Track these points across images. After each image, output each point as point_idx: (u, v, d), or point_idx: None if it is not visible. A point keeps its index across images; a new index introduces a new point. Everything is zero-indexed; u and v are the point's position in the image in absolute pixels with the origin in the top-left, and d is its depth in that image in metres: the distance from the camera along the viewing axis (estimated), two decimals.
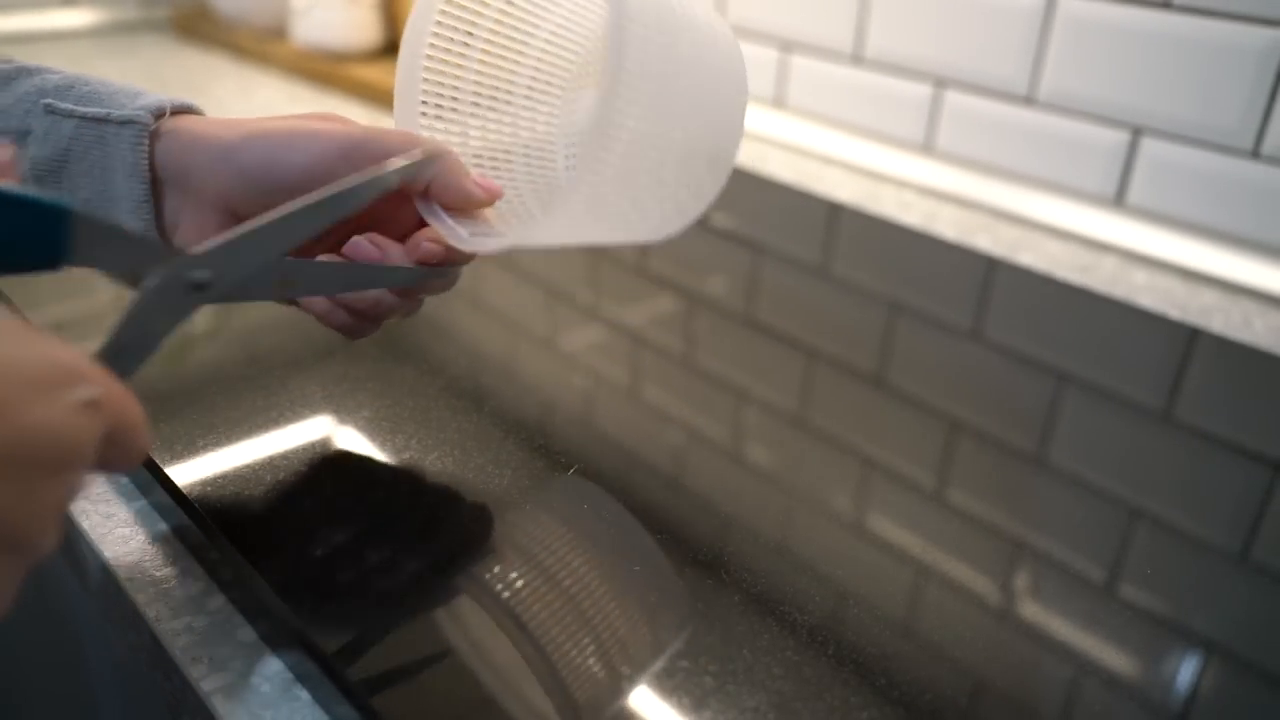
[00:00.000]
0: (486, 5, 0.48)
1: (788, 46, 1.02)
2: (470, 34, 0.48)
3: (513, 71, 0.51)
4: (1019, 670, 0.39)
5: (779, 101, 1.05)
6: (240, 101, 1.06)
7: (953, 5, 0.88)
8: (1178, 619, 0.42)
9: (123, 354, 0.33)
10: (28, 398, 0.26)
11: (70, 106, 0.43)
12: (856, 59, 0.97)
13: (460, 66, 0.49)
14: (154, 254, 0.34)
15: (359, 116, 1.03)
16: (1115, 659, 0.39)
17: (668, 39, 0.40)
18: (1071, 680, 0.38)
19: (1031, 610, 0.41)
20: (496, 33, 0.49)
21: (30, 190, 0.31)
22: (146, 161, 0.43)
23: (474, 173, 0.45)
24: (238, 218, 0.42)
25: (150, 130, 0.43)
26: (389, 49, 1.19)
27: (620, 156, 0.39)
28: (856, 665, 0.37)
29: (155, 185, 0.44)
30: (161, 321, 0.35)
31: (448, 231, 0.43)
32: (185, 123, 0.44)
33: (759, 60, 1.05)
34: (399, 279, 0.45)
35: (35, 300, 0.59)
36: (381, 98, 1.06)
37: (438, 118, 0.49)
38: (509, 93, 0.51)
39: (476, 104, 0.50)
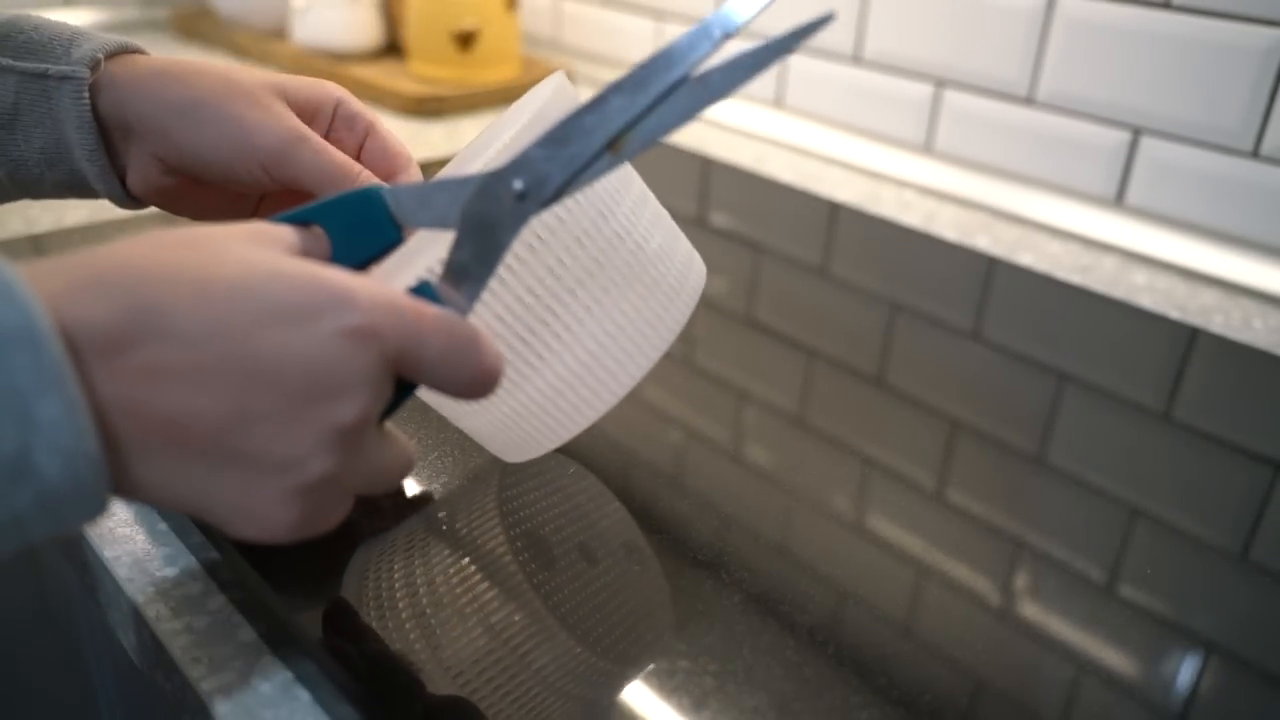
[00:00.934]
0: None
1: None
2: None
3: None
4: (1019, 670, 0.39)
5: (779, 101, 1.05)
6: None
7: (953, 5, 0.88)
8: (1177, 619, 0.42)
9: (462, 276, 0.33)
10: (268, 325, 0.27)
11: (9, 61, 0.43)
12: (856, 59, 0.97)
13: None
14: (464, 185, 0.33)
15: None
16: (1115, 659, 0.39)
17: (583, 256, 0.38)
18: (1071, 680, 0.38)
19: (1031, 610, 0.41)
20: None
21: (331, 197, 0.34)
22: (89, 113, 0.43)
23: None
24: (176, 172, 0.44)
25: (88, 83, 0.43)
26: (389, 49, 1.19)
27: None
28: (856, 665, 0.37)
29: (104, 131, 0.44)
30: (494, 235, 0.33)
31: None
32: (123, 72, 0.44)
33: None
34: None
35: None
36: (381, 97, 1.06)
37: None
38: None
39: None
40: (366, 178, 0.44)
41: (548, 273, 0.38)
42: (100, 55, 0.44)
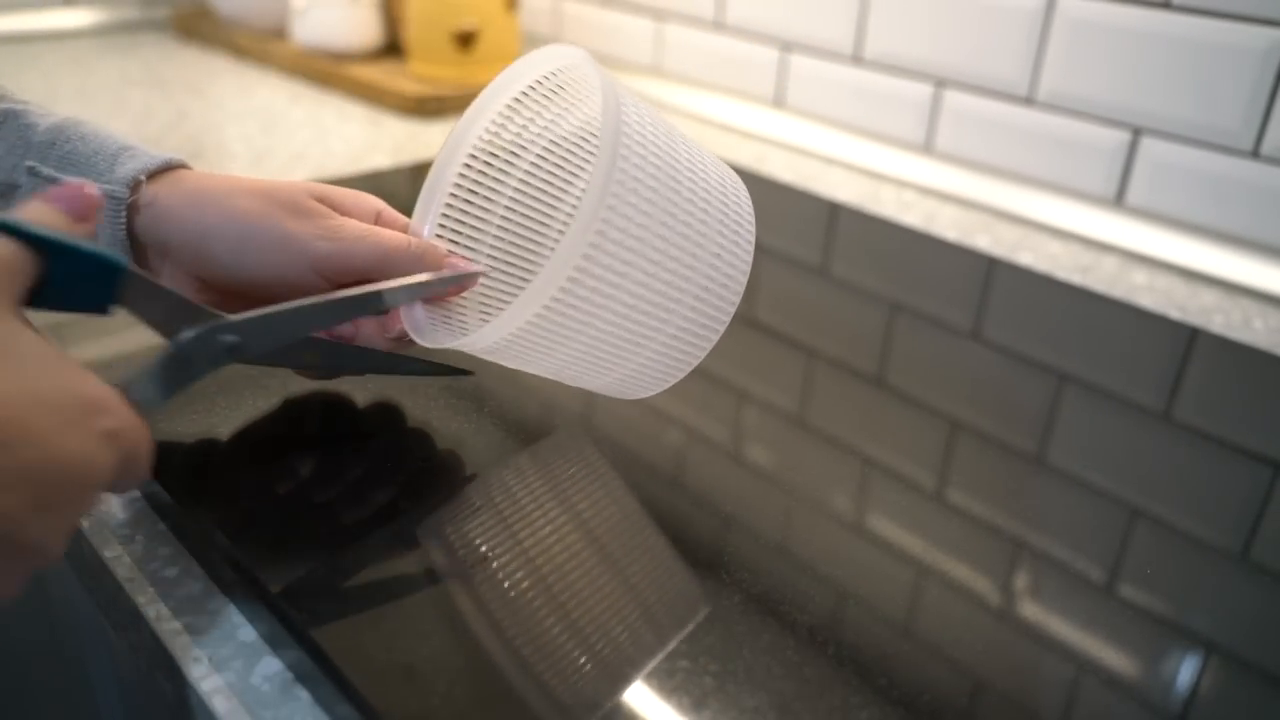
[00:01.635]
0: (524, 150, 0.49)
1: (788, 46, 1.02)
2: (503, 175, 0.49)
3: (543, 225, 0.51)
4: (1019, 670, 0.39)
5: (779, 101, 1.05)
6: (240, 101, 1.06)
7: (953, 5, 0.88)
8: (1177, 619, 0.42)
9: (149, 389, 0.37)
10: (56, 426, 0.29)
11: (51, 172, 0.44)
12: (856, 59, 0.97)
13: (490, 200, 0.50)
14: (191, 313, 0.38)
15: (358, 116, 1.03)
16: (1115, 659, 0.39)
17: (659, 186, 0.40)
18: (1071, 680, 0.38)
19: (1031, 610, 0.41)
20: (528, 184, 0.50)
21: (91, 243, 0.34)
22: (124, 232, 0.44)
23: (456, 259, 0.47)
24: (214, 289, 0.45)
25: (127, 203, 0.43)
26: (389, 49, 1.19)
27: (587, 288, 0.39)
28: (856, 665, 0.37)
29: (136, 248, 0.45)
30: (193, 369, 0.38)
31: (407, 316, 0.45)
32: (164, 193, 0.44)
33: (759, 60, 1.05)
34: (414, 369, 0.49)
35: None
36: (381, 97, 1.06)
37: (453, 241, 0.49)
38: (534, 248, 0.51)
39: (498, 245, 0.50)
40: (418, 247, 0.45)
41: (666, 226, 0.41)
42: (142, 177, 0.44)
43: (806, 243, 0.80)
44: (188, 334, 0.38)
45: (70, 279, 0.34)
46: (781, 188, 0.90)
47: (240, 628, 0.39)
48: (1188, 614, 0.42)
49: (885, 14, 0.93)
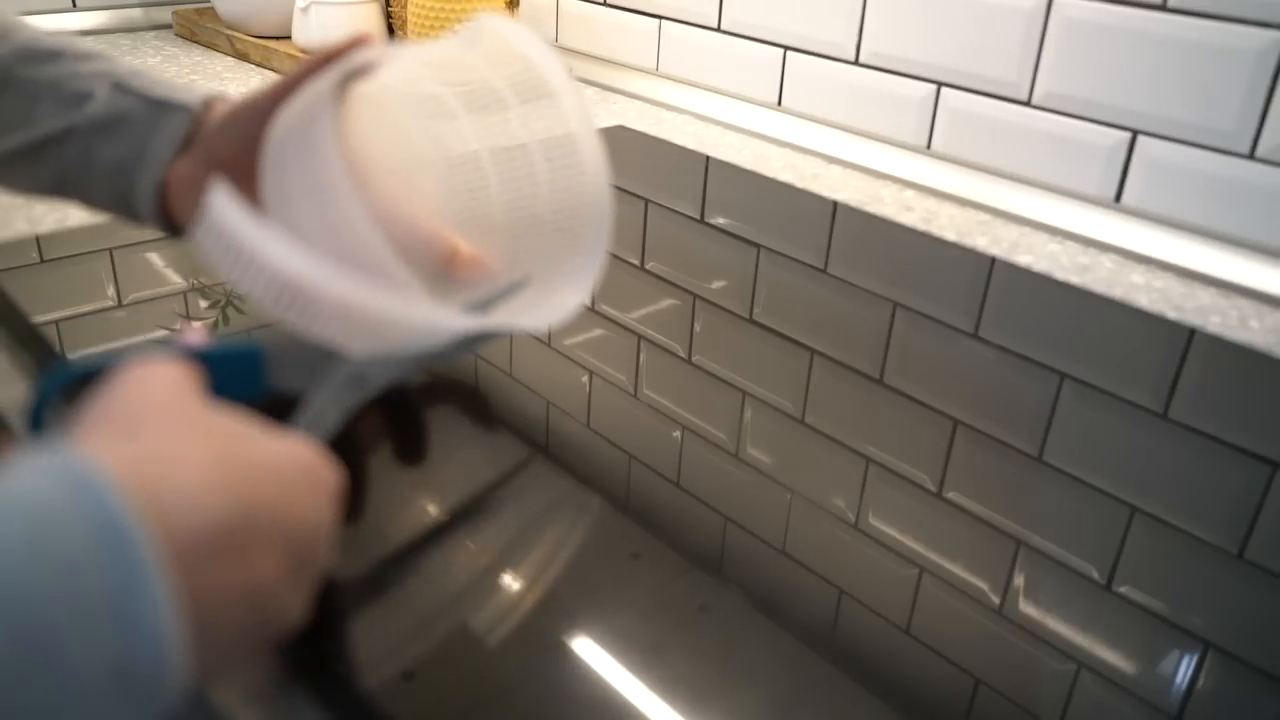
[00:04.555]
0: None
1: (788, 46, 1.03)
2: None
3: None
4: (1018, 669, 0.39)
5: (779, 102, 1.06)
6: None
7: (951, 6, 0.89)
8: (1175, 617, 0.42)
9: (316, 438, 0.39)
10: (297, 495, 0.29)
11: (140, 86, 0.51)
12: (856, 59, 0.97)
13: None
14: (323, 357, 0.41)
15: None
16: (1113, 657, 0.39)
17: None
18: (1070, 678, 0.38)
19: (1030, 609, 0.42)
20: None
21: (232, 344, 0.40)
22: (184, 135, 0.50)
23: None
24: (231, 173, 0.46)
25: (198, 115, 0.50)
26: None
27: None
28: (856, 665, 0.37)
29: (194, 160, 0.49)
30: (335, 410, 0.41)
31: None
32: (217, 106, 0.51)
33: (759, 60, 1.06)
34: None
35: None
36: None
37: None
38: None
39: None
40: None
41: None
42: (213, 99, 0.51)
43: (806, 243, 0.80)
44: (332, 378, 0.41)
45: (225, 379, 0.36)
46: (781, 188, 0.90)
47: None
48: (1185, 612, 0.42)
49: (885, 15, 0.94)
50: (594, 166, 0.47)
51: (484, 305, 0.46)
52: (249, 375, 0.41)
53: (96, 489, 0.23)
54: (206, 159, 0.48)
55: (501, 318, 0.46)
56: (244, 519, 0.27)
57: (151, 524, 0.24)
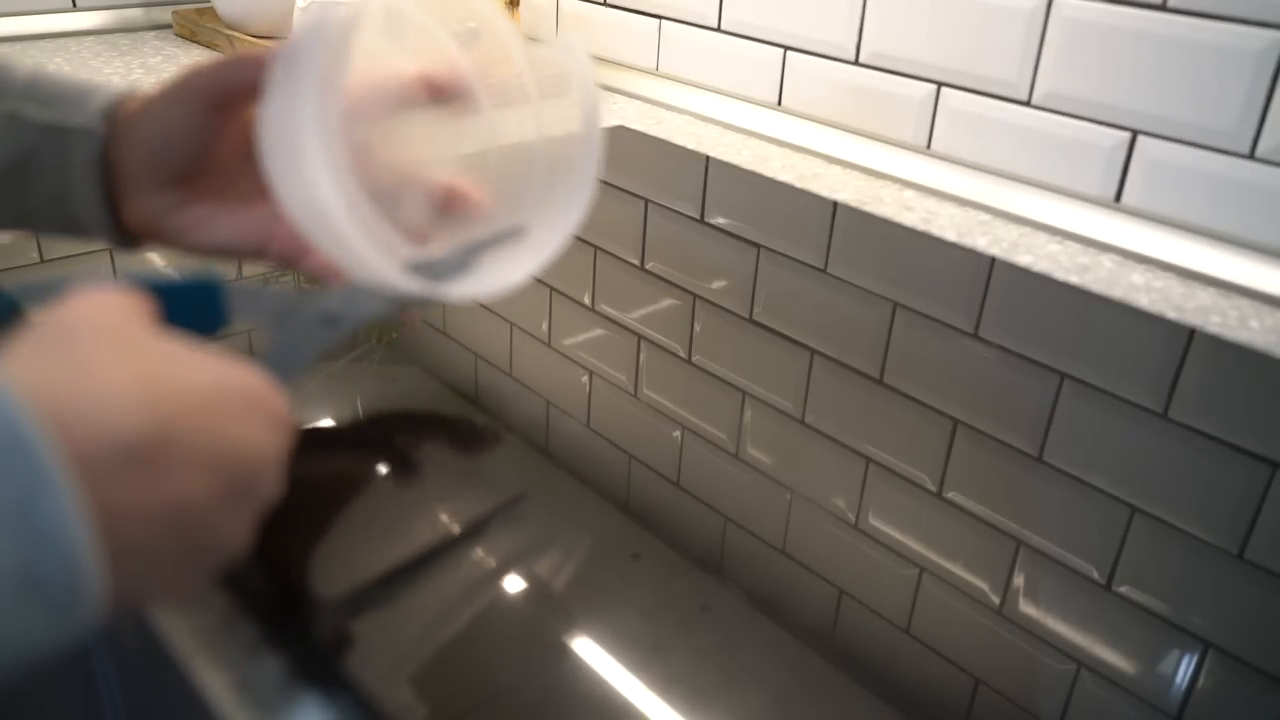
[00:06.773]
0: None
1: (788, 46, 1.03)
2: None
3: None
4: (1018, 669, 0.39)
5: (779, 101, 1.06)
6: None
7: (951, 6, 0.89)
8: (1175, 617, 0.42)
9: (276, 373, 0.38)
10: (232, 418, 0.29)
11: (34, 112, 0.46)
12: (856, 59, 0.97)
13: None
14: (292, 299, 0.41)
15: None
16: (1113, 657, 0.39)
17: None
18: (1070, 678, 0.38)
19: (1030, 609, 0.42)
20: None
21: (190, 278, 0.39)
22: (100, 164, 0.46)
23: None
24: (168, 177, 0.46)
25: (103, 137, 0.46)
26: None
27: None
28: (856, 665, 0.37)
29: (109, 179, 0.46)
30: (305, 349, 0.41)
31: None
32: (122, 115, 0.47)
33: (759, 60, 1.06)
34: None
35: None
36: None
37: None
38: None
39: None
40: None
41: None
42: (113, 105, 0.46)
43: (806, 243, 0.80)
44: (292, 315, 0.41)
45: (182, 311, 0.36)
46: (781, 188, 0.90)
47: (243, 626, 0.39)
48: (1185, 612, 0.42)
49: (884, 14, 0.93)
50: (588, 101, 0.48)
51: (478, 249, 0.46)
52: (206, 309, 0.40)
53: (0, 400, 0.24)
54: (148, 160, 0.46)
55: (488, 264, 0.46)
56: (162, 435, 0.26)
57: (55, 433, 0.24)
